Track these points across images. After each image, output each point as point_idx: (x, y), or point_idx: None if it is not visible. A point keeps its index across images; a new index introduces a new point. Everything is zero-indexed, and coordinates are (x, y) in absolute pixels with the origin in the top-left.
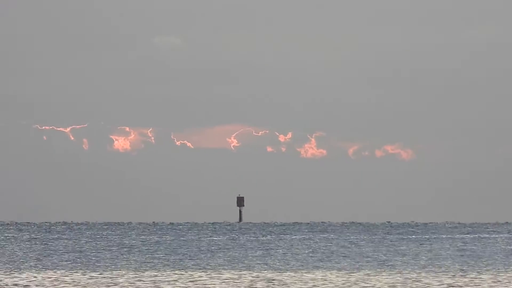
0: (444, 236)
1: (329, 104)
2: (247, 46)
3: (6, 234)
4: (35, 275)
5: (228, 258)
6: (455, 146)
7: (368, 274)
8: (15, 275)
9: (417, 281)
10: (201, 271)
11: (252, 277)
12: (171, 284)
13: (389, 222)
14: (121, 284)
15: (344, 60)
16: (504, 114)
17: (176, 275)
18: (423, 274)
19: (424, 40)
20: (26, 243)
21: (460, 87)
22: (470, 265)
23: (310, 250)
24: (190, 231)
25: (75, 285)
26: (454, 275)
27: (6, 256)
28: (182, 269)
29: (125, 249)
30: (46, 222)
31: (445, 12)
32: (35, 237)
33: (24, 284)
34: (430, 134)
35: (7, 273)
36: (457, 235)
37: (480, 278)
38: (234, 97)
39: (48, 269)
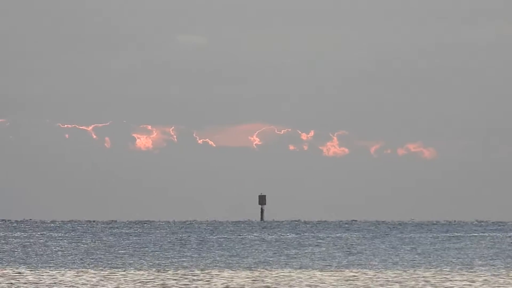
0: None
1: (351, 103)
2: (268, 45)
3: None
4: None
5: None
6: (475, 144)
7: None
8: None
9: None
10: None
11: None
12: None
13: (413, 219)
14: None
15: (362, 59)
16: None
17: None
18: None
19: (438, 38)
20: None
21: (481, 86)
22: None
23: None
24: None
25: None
26: None
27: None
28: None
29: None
30: (73, 220)
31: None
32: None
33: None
34: (451, 132)
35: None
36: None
37: None
38: (256, 96)
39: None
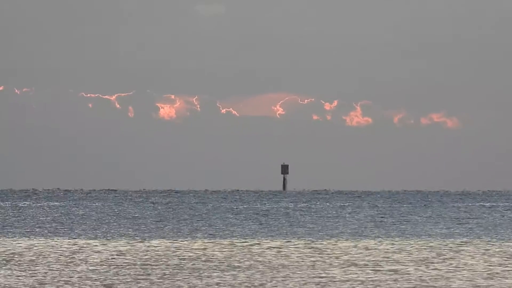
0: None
1: (374, 73)
2: (292, 17)
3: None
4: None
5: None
6: (498, 116)
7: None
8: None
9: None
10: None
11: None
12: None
13: (446, 190)
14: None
15: (386, 30)
16: None
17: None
18: None
19: (465, 8)
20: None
21: (503, 58)
22: None
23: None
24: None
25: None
26: None
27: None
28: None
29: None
30: (92, 189)
31: None
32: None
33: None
34: (475, 103)
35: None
36: None
37: None
38: (278, 66)
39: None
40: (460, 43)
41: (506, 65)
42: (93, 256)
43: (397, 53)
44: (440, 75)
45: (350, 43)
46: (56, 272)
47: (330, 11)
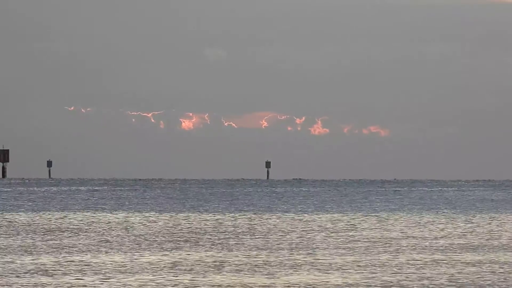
0: None
1: (331, 97)
2: (274, 54)
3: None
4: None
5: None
6: (415, 127)
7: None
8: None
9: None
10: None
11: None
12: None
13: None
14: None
15: (341, 62)
16: None
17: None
18: None
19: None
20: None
21: (421, 83)
22: None
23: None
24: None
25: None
26: None
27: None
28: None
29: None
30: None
31: None
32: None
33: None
34: (399, 117)
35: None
36: None
37: None
38: (264, 92)
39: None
40: (388, 67)
41: (429, 86)
42: None
43: (348, 82)
44: (375, 97)
45: (314, 75)
46: None
47: (304, 50)
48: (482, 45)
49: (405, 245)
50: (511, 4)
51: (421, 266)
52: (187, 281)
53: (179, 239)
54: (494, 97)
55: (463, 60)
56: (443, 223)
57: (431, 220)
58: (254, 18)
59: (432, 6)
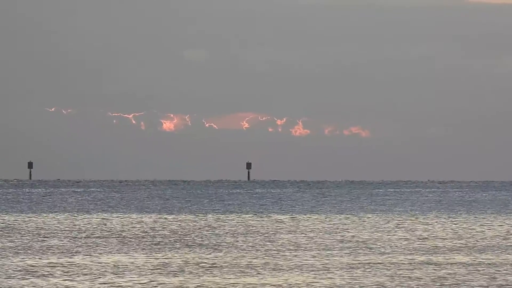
0: None
1: (312, 99)
2: (254, 55)
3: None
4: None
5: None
6: (396, 127)
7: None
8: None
9: None
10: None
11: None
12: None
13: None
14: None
15: (324, 66)
16: None
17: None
18: None
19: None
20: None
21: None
22: None
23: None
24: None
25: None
26: None
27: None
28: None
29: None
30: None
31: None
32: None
33: None
34: (380, 118)
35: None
36: None
37: None
38: (245, 93)
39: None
40: (370, 68)
41: (411, 90)
42: None
43: (329, 83)
44: (356, 98)
45: (295, 76)
46: None
47: (285, 51)
48: (467, 46)
49: (382, 246)
50: (493, 5)
51: (401, 268)
52: (170, 283)
53: (162, 240)
54: (479, 99)
55: (446, 62)
56: (426, 224)
57: (414, 220)
58: (236, 19)
59: (416, 7)
